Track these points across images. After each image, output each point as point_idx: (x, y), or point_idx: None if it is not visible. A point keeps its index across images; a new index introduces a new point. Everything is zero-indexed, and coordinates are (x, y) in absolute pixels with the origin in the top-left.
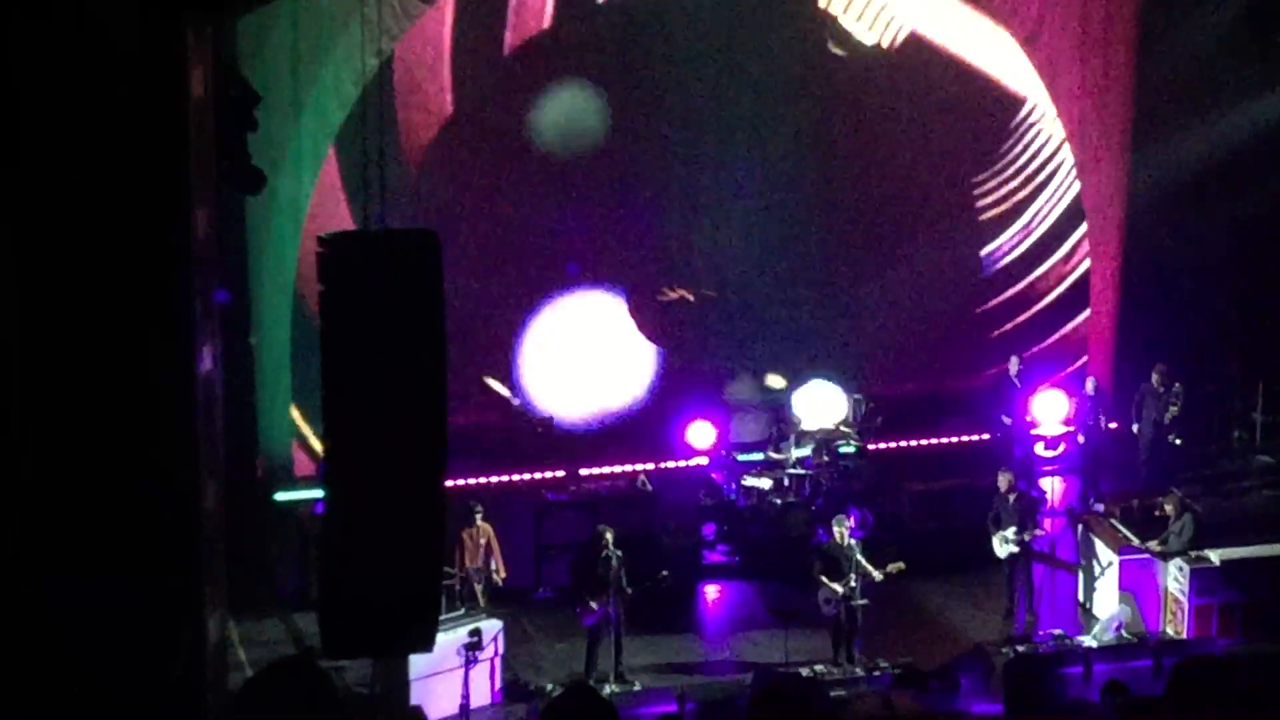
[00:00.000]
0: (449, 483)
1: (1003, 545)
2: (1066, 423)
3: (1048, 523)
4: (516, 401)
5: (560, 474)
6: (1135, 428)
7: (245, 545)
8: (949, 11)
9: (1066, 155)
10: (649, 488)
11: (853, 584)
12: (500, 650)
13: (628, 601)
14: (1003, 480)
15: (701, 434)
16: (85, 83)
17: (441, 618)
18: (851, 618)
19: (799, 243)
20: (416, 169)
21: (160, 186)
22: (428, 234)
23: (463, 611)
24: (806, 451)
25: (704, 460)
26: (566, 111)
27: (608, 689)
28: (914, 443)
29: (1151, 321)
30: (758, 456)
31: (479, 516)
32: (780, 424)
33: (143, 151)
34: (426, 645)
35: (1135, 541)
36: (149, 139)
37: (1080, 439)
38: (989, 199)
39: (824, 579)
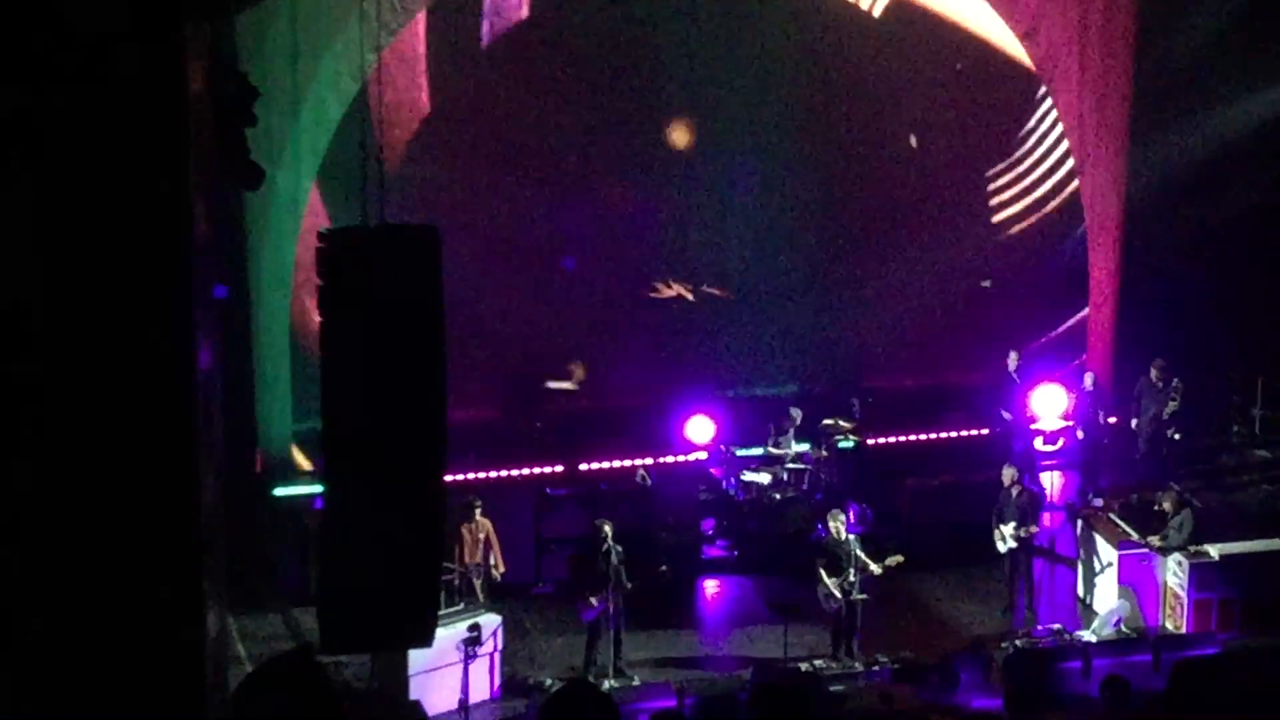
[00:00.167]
0: (448, 477)
1: (1003, 540)
2: (1065, 418)
3: (1047, 518)
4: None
5: (559, 469)
6: (1134, 422)
7: (245, 541)
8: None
9: (1065, 148)
10: (648, 482)
11: (852, 579)
12: (499, 645)
13: (627, 596)
14: (1007, 475)
15: (700, 429)
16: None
17: (440, 613)
18: (851, 612)
19: (797, 236)
20: (397, 165)
21: (159, 182)
22: (428, 229)
23: (462, 606)
24: (805, 447)
25: (703, 455)
26: None
27: (607, 684)
28: (914, 438)
29: (1150, 316)
30: (756, 451)
31: (478, 511)
32: (778, 419)
33: (141, 147)
34: (425, 640)
35: (1134, 536)
36: (148, 134)
37: (1079, 434)
38: (986, 194)
39: (823, 574)
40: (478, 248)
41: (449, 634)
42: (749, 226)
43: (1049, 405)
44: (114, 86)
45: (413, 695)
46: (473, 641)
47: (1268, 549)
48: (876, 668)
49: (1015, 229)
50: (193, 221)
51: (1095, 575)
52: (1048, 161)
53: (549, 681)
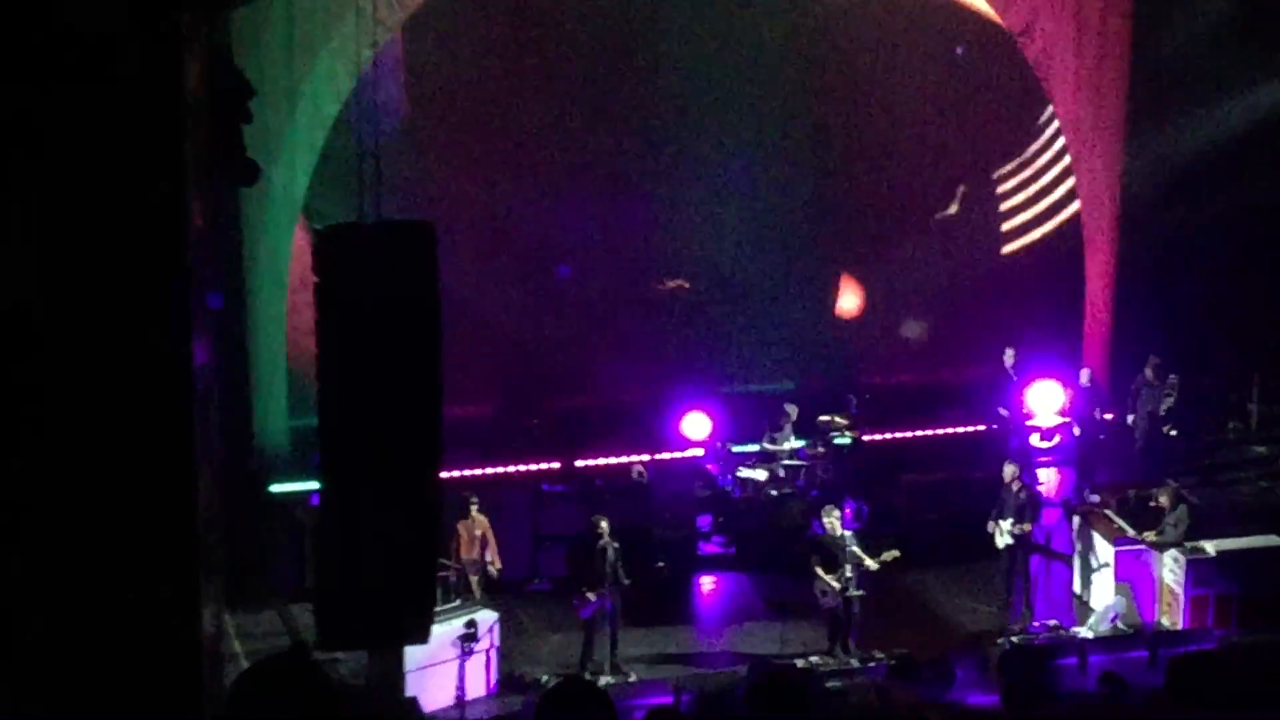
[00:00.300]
0: (444, 474)
1: (1002, 536)
2: (1062, 414)
3: (1043, 514)
4: None
5: (556, 465)
6: (1130, 419)
7: (241, 538)
8: None
9: (1062, 144)
10: (645, 479)
11: (848, 575)
12: (496, 642)
13: (624, 593)
14: (1008, 471)
15: (697, 425)
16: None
17: (437, 609)
18: (847, 609)
19: (795, 233)
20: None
21: (156, 178)
22: (425, 225)
23: (458, 603)
24: (801, 443)
25: (699, 452)
26: None
27: (603, 680)
28: (910, 434)
29: (1146, 313)
30: (753, 448)
31: (475, 508)
32: (774, 415)
33: (138, 143)
34: (422, 637)
35: (1131, 532)
36: (144, 131)
37: (1076, 430)
38: (984, 188)
39: (820, 571)
40: (473, 244)
41: (445, 630)
42: (745, 222)
43: (1045, 401)
44: (112, 85)
45: (409, 692)
46: (469, 638)
47: (1264, 545)
48: (872, 664)
49: (1017, 219)
50: (189, 219)
51: (1092, 571)
52: (1047, 154)
53: (545, 678)
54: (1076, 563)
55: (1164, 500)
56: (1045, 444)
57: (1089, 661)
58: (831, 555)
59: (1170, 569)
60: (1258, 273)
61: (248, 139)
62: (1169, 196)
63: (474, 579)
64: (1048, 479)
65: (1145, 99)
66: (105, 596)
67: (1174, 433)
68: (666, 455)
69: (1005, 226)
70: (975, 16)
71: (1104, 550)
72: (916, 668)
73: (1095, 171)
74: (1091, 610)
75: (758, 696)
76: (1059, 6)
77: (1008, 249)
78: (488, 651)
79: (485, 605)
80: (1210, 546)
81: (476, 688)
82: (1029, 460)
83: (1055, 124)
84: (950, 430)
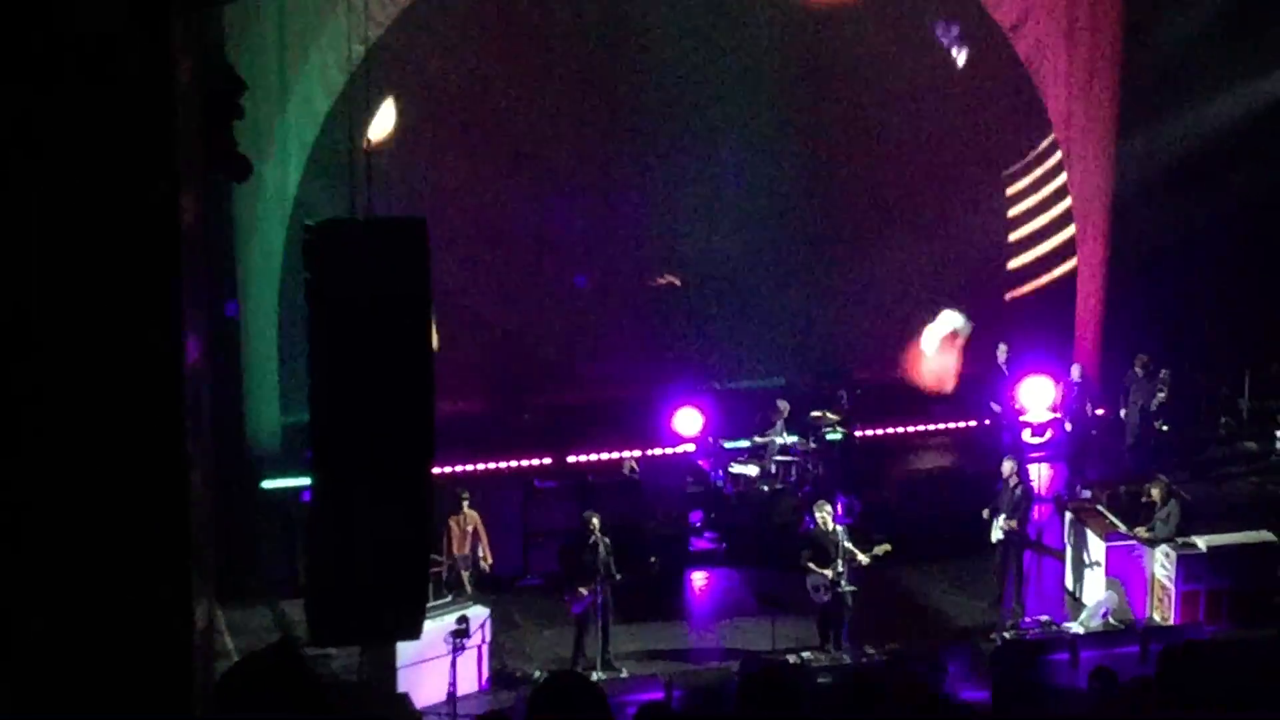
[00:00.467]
0: (436, 470)
1: (999, 531)
2: (1054, 409)
3: (1036, 510)
4: None
5: (547, 461)
6: (1122, 414)
7: (232, 533)
8: None
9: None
10: (636, 475)
11: (840, 570)
12: (487, 638)
13: (615, 588)
14: (1006, 467)
15: (688, 421)
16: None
17: (429, 605)
18: (839, 604)
19: (786, 228)
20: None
21: (147, 175)
22: (416, 221)
23: (450, 599)
24: (793, 438)
25: (691, 447)
26: None
27: (595, 676)
28: (902, 429)
29: (1138, 308)
30: (744, 443)
31: (466, 504)
32: (766, 411)
33: (129, 140)
34: (414, 633)
35: (1122, 528)
36: (135, 127)
37: (1067, 426)
38: (977, 185)
39: (812, 566)
40: (464, 240)
41: (437, 626)
42: (737, 218)
43: (1037, 397)
44: (103, 82)
45: (401, 688)
46: (461, 634)
47: (1255, 540)
48: (865, 659)
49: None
50: (181, 216)
51: (1083, 567)
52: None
53: (537, 673)
54: (1068, 558)
55: (1155, 495)
56: (1037, 440)
57: (1080, 657)
58: (823, 550)
59: (1162, 564)
60: (1249, 268)
61: (239, 135)
62: (1161, 192)
63: (465, 574)
64: (1039, 475)
65: (1137, 95)
66: (95, 593)
67: (1165, 428)
68: (658, 451)
69: (1005, 219)
70: (969, 11)
71: (1095, 546)
72: (908, 663)
73: (1087, 168)
74: (1083, 605)
75: (750, 692)
76: (1051, 2)
77: (1008, 242)
78: (479, 647)
79: (477, 601)
80: (1201, 542)
81: (468, 684)
82: (1021, 456)
83: (1049, 122)
84: (942, 426)
